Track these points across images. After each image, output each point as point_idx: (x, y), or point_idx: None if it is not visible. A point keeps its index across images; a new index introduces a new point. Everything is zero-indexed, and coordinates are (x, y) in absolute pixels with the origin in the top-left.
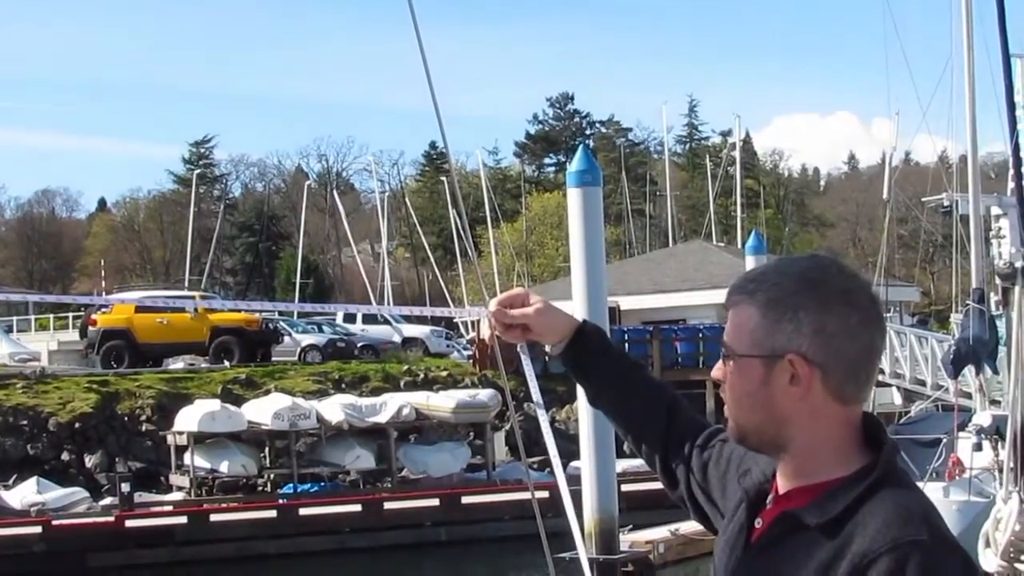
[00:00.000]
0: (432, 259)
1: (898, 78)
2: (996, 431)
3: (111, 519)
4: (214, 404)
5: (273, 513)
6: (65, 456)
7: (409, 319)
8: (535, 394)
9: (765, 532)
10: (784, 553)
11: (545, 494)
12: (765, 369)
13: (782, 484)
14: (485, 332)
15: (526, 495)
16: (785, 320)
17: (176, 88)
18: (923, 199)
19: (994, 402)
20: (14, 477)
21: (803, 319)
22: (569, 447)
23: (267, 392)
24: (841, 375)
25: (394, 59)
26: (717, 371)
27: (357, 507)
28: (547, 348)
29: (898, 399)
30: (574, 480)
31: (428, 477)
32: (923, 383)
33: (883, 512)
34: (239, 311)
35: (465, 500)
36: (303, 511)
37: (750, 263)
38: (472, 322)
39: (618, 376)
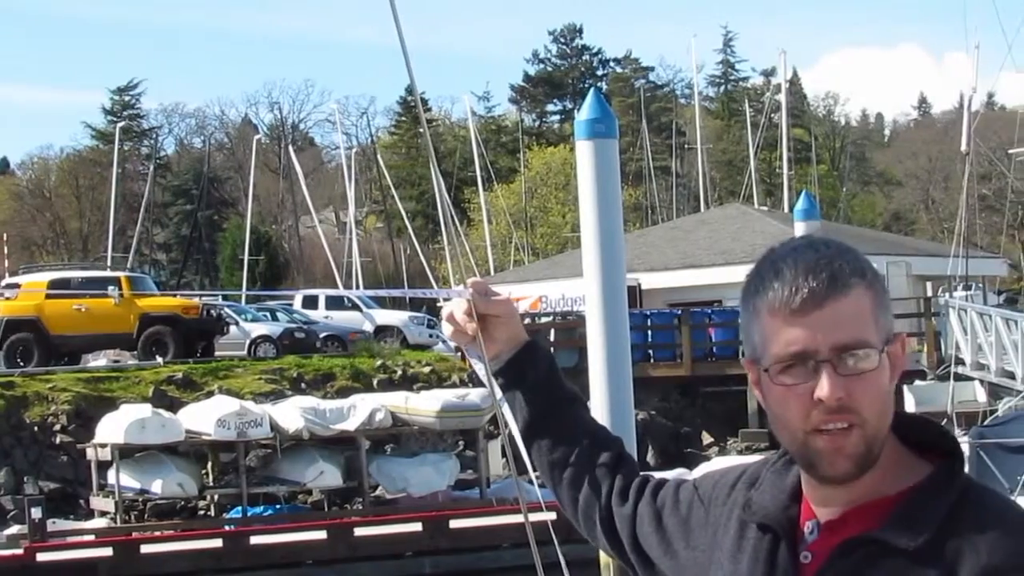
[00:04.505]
0: (411, 229)
1: (977, 2)
2: None
3: (19, 552)
4: (144, 409)
5: (218, 543)
6: None
7: (383, 303)
8: (496, 391)
9: (826, 567)
10: None
11: (551, 515)
12: (888, 360)
13: (829, 510)
14: (463, 320)
15: (530, 517)
16: (888, 298)
17: (95, 21)
18: (1010, 151)
19: None
20: None
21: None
22: None
23: (209, 394)
24: None
25: None
26: (836, 388)
27: (321, 534)
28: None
29: (982, 395)
30: None
31: (408, 496)
32: (1012, 376)
33: (991, 522)
34: (174, 296)
35: (454, 524)
36: (255, 540)
37: (800, 231)
38: None
39: (563, 405)
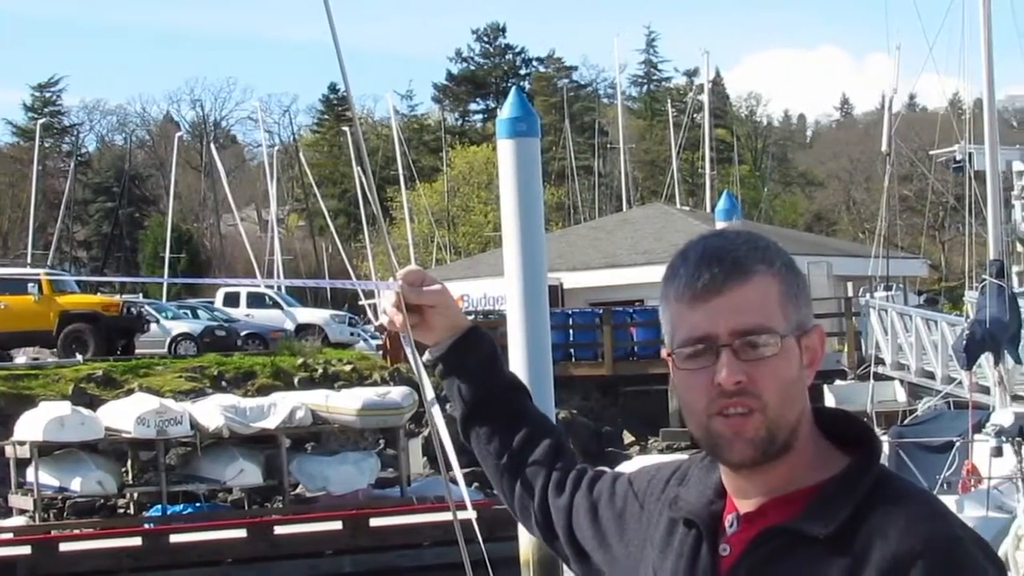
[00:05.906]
0: (332, 227)
1: (898, 3)
2: (1019, 432)
3: None
4: (63, 407)
5: (137, 541)
6: None
7: (304, 301)
8: (428, 389)
9: (742, 558)
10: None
11: (472, 513)
12: (798, 349)
13: (749, 502)
14: (392, 312)
15: (450, 516)
16: (804, 289)
17: (15, 16)
18: (931, 152)
19: (1017, 398)
20: None
21: (806, 289)
22: None
23: (129, 392)
24: None
25: None
26: (735, 373)
27: (241, 532)
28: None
29: (902, 395)
30: None
31: (328, 495)
32: (932, 375)
33: (902, 510)
34: (94, 292)
35: (374, 523)
36: (175, 538)
37: None
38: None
39: (504, 393)
